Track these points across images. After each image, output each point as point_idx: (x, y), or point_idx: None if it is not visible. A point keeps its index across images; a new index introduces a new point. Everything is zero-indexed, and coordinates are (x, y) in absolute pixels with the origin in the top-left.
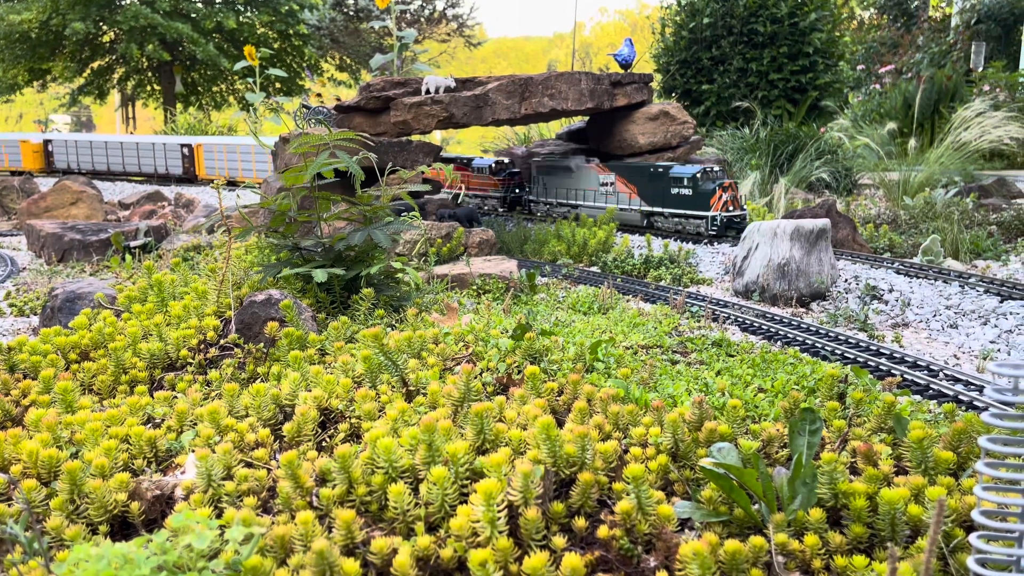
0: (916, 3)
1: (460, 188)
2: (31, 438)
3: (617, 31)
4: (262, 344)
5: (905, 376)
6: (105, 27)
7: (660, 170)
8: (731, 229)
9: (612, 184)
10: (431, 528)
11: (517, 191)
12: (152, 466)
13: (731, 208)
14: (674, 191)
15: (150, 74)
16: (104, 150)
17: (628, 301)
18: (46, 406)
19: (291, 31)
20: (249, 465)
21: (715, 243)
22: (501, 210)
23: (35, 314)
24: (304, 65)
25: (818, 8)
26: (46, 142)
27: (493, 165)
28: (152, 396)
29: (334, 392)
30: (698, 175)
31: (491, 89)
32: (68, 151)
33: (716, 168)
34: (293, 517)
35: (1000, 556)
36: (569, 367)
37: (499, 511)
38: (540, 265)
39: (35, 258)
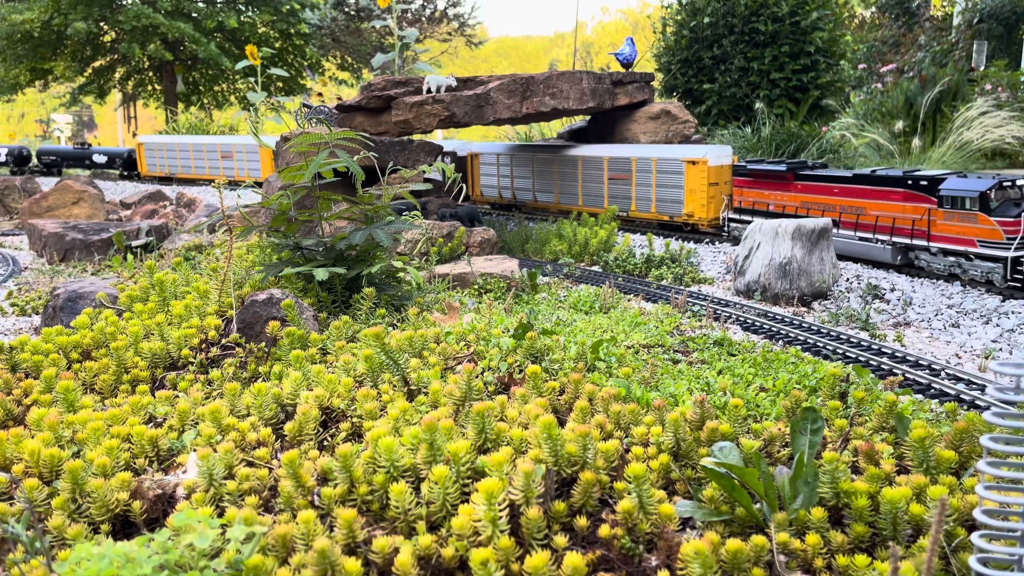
0: (918, 2)
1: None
2: (33, 437)
3: (618, 30)
4: (263, 343)
5: (907, 375)
6: (106, 27)
7: None
8: None
9: None
10: (432, 527)
11: None
12: (154, 465)
13: None
14: None
15: (151, 74)
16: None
17: (629, 300)
18: (48, 405)
19: (292, 30)
20: (251, 464)
21: (716, 242)
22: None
23: (37, 313)
24: (305, 64)
25: (819, 7)
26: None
27: (990, 192)
28: (154, 395)
29: (335, 391)
30: None
31: (492, 88)
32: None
33: None
34: (295, 516)
35: (1002, 555)
36: (570, 366)
37: (501, 510)
38: (541, 264)
39: (37, 257)
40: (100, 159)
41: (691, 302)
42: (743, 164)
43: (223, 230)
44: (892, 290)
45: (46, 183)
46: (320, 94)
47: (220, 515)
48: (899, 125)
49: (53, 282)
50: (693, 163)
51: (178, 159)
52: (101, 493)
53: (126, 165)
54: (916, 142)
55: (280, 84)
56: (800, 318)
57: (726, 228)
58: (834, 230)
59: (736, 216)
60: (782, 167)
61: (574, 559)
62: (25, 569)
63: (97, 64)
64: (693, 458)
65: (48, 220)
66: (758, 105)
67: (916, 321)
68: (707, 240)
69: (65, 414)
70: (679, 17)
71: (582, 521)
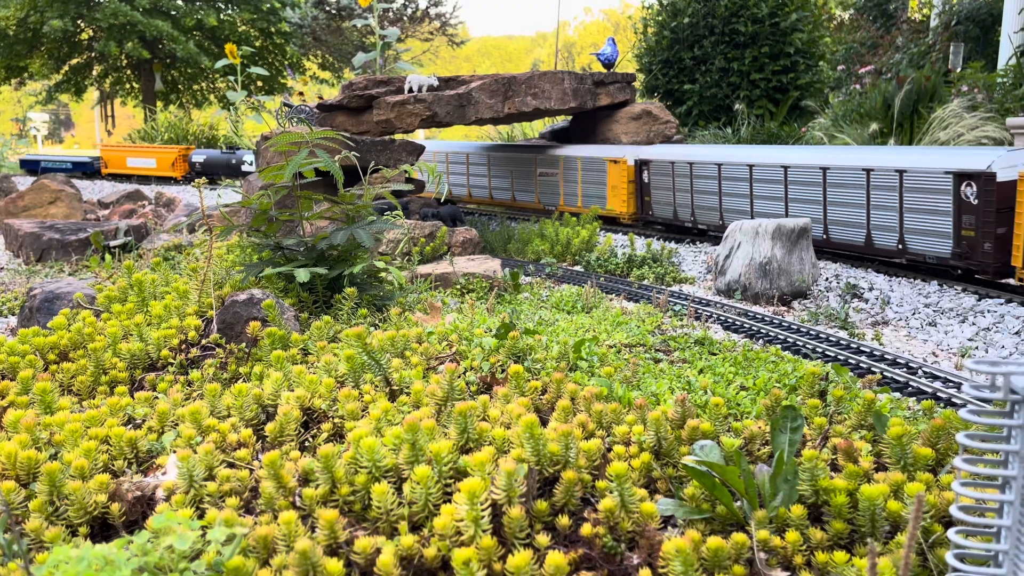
0: (895, 4)
1: None
2: (9, 439)
3: (600, 31)
4: (244, 344)
5: (885, 374)
6: (83, 24)
7: None
8: None
9: None
10: (415, 527)
11: None
12: (133, 467)
13: None
14: None
15: (129, 72)
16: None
17: (611, 300)
18: (25, 407)
19: (273, 29)
20: (231, 465)
21: (697, 242)
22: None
23: (13, 314)
24: (286, 63)
25: (799, 9)
26: (640, 164)
27: None
28: (132, 397)
29: (317, 392)
30: None
31: (474, 88)
32: (674, 180)
33: None
34: (276, 517)
35: (978, 551)
36: (553, 366)
37: (483, 510)
38: (524, 264)
39: (13, 258)
40: None
41: (672, 301)
42: None
43: (203, 230)
44: (870, 289)
45: (23, 183)
46: (301, 93)
47: (200, 517)
48: (873, 127)
49: (29, 282)
50: None
51: None
52: (79, 495)
53: None
54: (892, 143)
55: (260, 83)
56: (780, 317)
57: None
58: None
59: None
60: None
61: (556, 558)
62: (2, 572)
63: (74, 62)
64: (674, 456)
65: (24, 220)
66: (738, 106)
67: (894, 320)
68: (687, 240)
69: (42, 416)
70: (660, 18)
71: (564, 520)
